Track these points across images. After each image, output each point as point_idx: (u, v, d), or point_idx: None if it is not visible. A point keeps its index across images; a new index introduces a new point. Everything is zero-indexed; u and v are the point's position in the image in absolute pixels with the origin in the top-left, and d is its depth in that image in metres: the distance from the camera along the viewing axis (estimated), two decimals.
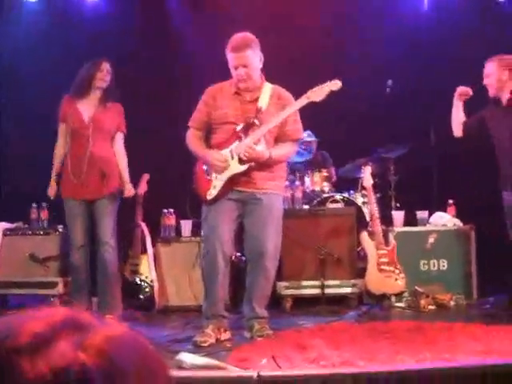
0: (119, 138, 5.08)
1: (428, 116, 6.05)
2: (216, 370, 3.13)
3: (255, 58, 4.27)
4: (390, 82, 5.98)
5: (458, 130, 5.07)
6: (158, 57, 7.06)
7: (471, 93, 4.97)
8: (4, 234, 6.00)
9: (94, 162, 4.94)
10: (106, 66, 5.04)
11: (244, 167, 4.20)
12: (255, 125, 4.23)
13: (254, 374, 2.87)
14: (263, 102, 4.30)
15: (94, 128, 4.95)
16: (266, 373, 2.96)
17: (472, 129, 5.04)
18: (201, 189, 4.36)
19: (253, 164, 4.19)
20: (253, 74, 4.27)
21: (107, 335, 0.74)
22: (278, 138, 4.33)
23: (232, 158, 4.21)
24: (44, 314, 0.76)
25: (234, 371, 3.12)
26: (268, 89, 4.35)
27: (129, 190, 5.08)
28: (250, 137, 4.18)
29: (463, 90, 4.99)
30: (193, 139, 4.41)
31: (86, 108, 5.01)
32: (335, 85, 4.21)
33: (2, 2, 6.97)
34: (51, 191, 5.13)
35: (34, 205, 6.04)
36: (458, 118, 5.06)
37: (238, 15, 6.66)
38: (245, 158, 4.16)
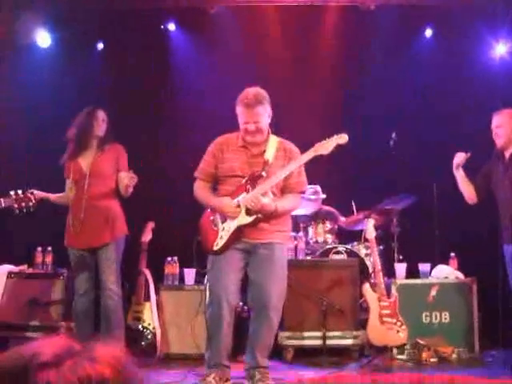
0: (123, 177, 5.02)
1: (431, 169, 6.11)
2: None
3: (265, 114, 4.37)
4: (393, 134, 6.05)
5: (471, 198, 5.15)
6: (160, 103, 7.20)
7: (467, 155, 5.04)
8: (8, 277, 6.04)
9: (92, 210, 4.97)
10: (101, 115, 5.12)
11: (251, 218, 4.25)
12: (262, 177, 4.30)
13: None
14: (270, 154, 4.38)
15: (92, 175, 5.00)
16: None
17: (483, 191, 5.12)
18: (207, 240, 4.41)
19: (260, 216, 4.24)
20: (262, 128, 4.37)
21: (109, 352, 1.03)
22: (283, 189, 4.41)
23: (239, 208, 4.27)
24: (52, 340, 1.05)
25: None
26: (274, 142, 4.43)
27: (127, 177, 4.83)
28: (258, 188, 4.25)
29: (458, 160, 5.08)
30: (201, 190, 4.48)
31: (86, 158, 5.08)
32: (342, 138, 4.28)
33: (14, 48, 7.13)
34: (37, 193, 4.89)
35: (39, 248, 6.10)
36: (466, 187, 5.13)
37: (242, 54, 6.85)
38: (252, 209, 4.21)
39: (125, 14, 7.09)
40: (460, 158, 5.08)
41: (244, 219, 4.26)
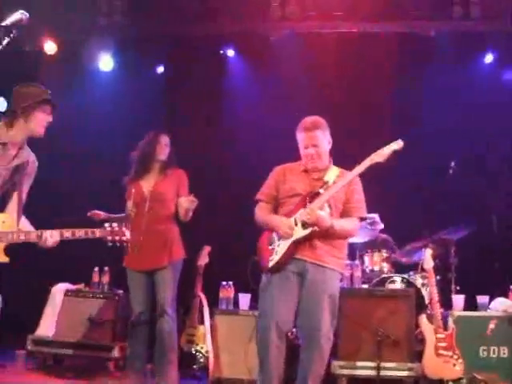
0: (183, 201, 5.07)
1: (490, 199, 6.01)
2: None
3: (324, 139, 4.39)
4: (453, 163, 6.00)
5: None
6: (216, 127, 7.28)
7: None
8: (65, 295, 6.15)
9: (151, 234, 5.04)
10: (164, 139, 5.20)
11: (307, 231, 4.20)
12: (320, 194, 4.29)
13: None
14: (330, 177, 4.38)
15: (152, 199, 5.08)
16: None
17: None
18: (262, 257, 4.37)
19: (316, 229, 4.19)
20: (322, 154, 4.38)
21: None
22: (342, 214, 4.37)
23: (296, 224, 4.25)
24: None
25: None
26: (335, 170, 4.43)
27: (187, 201, 4.97)
28: (314, 202, 4.24)
29: None
30: (261, 211, 4.49)
31: (147, 181, 5.17)
32: (398, 144, 4.24)
33: (77, 71, 7.32)
34: (96, 212, 5.35)
35: (96, 269, 6.21)
36: None
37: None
38: (307, 221, 4.18)
39: (185, 38, 7.23)
40: None
41: (300, 233, 4.23)
